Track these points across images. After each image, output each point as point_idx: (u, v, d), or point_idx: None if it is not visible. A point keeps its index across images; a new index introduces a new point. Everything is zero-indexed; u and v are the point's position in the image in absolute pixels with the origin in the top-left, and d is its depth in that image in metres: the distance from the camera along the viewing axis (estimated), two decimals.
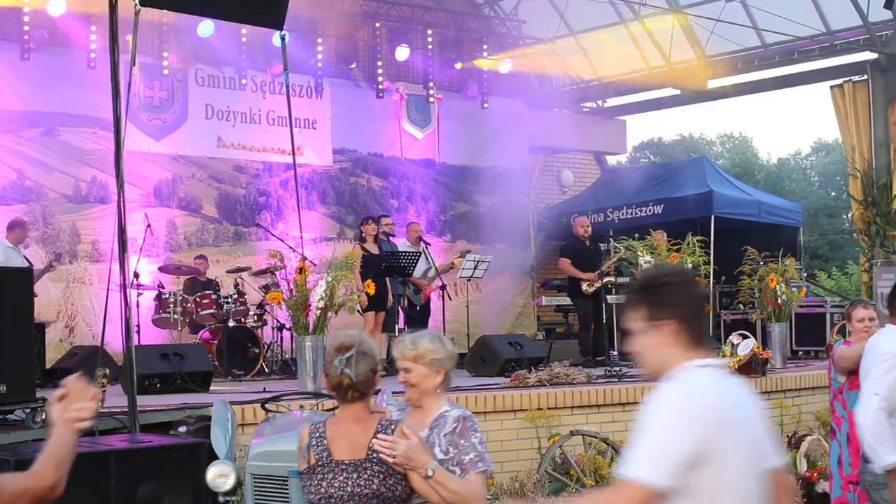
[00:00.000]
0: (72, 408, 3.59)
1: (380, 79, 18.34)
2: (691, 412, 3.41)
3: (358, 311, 11.48)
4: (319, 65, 17.46)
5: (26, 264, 12.38)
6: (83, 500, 6.25)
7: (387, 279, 13.38)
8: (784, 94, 24.38)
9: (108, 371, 8.23)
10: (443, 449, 4.74)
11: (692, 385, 3.49)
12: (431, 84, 18.94)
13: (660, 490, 3.38)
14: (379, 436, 4.62)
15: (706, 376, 3.55)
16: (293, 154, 11.45)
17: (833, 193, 42.60)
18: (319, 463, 4.67)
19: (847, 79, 18.41)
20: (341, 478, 4.63)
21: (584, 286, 14.63)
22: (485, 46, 19.39)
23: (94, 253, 15.23)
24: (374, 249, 13.60)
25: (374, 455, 4.61)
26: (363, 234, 13.79)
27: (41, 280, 13.46)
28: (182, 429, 8.08)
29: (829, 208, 41.48)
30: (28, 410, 7.59)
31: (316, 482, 4.66)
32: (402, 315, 14.26)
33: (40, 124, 15.02)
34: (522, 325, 19.20)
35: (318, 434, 4.74)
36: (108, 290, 8.59)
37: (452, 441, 4.74)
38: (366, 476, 4.61)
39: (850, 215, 40.72)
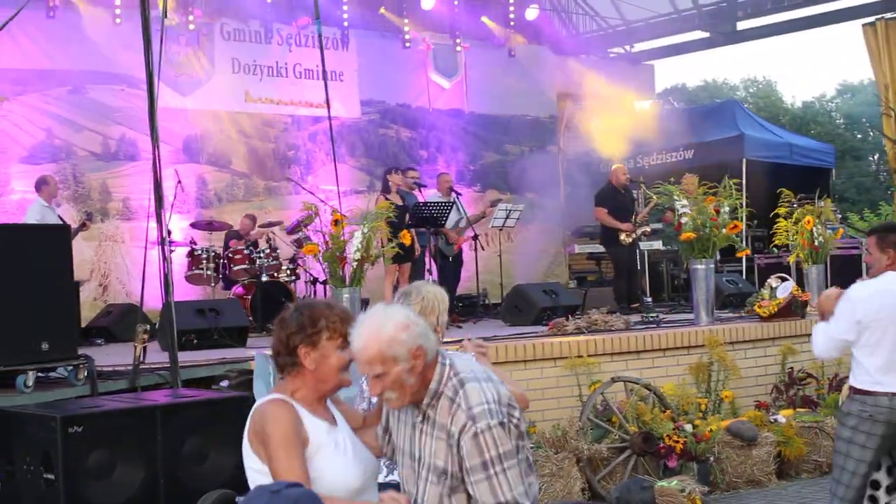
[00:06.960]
0: None
1: (406, 28, 18.20)
2: None
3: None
4: (345, 16, 17.31)
5: (60, 223, 12.34)
6: (131, 454, 6.27)
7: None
8: (808, 35, 24.10)
9: (148, 326, 8.20)
10: None
11: None
12: (458, 33, 18.77)
13: None
14: None
15: None
16: (328, 105, 11.29)
17: (859, 136, 42.20)
18: None
19: (879, 16, 18.09)
20: None
21: (623, 236, 14.42)
22: None
23: (126, 211, 15.22)
24: (398, 200, 12.86)
25: None
26: (389, 185, 13.36)
27: (74, 239, 13.42)
28: (224, 383, 8.03)
29: (855, 150, 41.10)
30: (70, 368, 7.55)
31: None
32: (434, 266, 14.09)
33: (68, 83, 14.94)
34: (555, 274, 19.11)
35: None
36: (146, 247, 8.55)
37: None
38: None
39: (876, 157, 40.53)
